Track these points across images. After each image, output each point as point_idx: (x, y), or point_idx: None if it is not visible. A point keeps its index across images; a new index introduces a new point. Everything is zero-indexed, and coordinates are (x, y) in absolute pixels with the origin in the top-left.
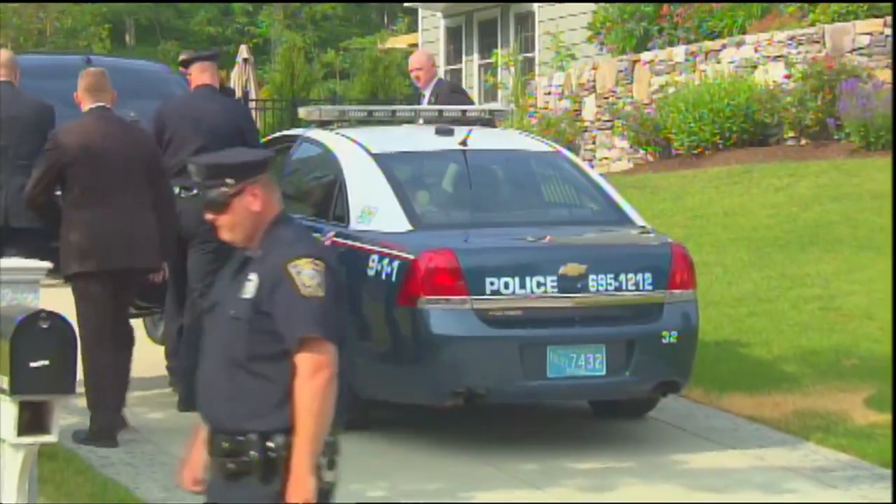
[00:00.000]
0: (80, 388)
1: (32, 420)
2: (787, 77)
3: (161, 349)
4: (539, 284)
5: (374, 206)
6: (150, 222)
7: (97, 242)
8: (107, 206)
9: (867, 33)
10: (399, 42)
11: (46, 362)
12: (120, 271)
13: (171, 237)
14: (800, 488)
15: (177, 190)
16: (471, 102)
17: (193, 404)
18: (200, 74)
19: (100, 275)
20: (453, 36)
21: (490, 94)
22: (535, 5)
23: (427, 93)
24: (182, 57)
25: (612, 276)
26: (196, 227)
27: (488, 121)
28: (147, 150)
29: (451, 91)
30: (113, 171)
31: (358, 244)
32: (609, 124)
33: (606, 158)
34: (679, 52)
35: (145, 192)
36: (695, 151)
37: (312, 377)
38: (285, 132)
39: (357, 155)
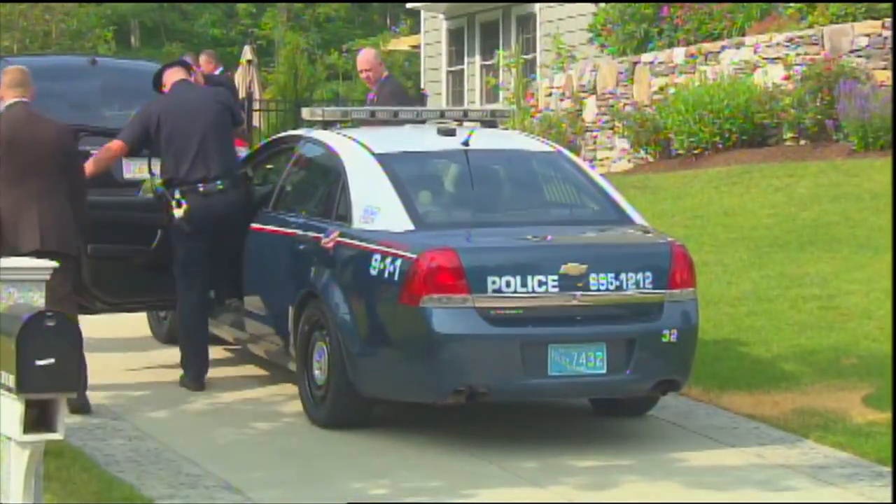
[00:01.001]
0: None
1: (38, 418)
2: (786, 78)
3: (164, 348)
4: (540, 283)
5: (377, 206)
6: (59, 208)
7: (9, 226)
8: (20, 192)
9: (865, 35)
10: (401, 44)
11: (52, 361)
12: (30, 255)
13: (85, 223)
14: (798, 486)
15: (201, 187)
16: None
17: (203, 382)
18: (174, 75)
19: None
20: (455, 37)
21: (492, 95)
22: (537, 7)
23: (374, 91)
24: (154, 79)
25: (612, 275)
26: (229, 216)
27: (490, 122)
28: (62, 140)
29: (391, 93)
30: (29, 159)
31: (361, 244)
32: (609, 125)
33: (607, 159)
34: (679, 54)
35: (59, 179)
36: (695, 152)
37: None
38: (289, 133)
39: (360, 155)
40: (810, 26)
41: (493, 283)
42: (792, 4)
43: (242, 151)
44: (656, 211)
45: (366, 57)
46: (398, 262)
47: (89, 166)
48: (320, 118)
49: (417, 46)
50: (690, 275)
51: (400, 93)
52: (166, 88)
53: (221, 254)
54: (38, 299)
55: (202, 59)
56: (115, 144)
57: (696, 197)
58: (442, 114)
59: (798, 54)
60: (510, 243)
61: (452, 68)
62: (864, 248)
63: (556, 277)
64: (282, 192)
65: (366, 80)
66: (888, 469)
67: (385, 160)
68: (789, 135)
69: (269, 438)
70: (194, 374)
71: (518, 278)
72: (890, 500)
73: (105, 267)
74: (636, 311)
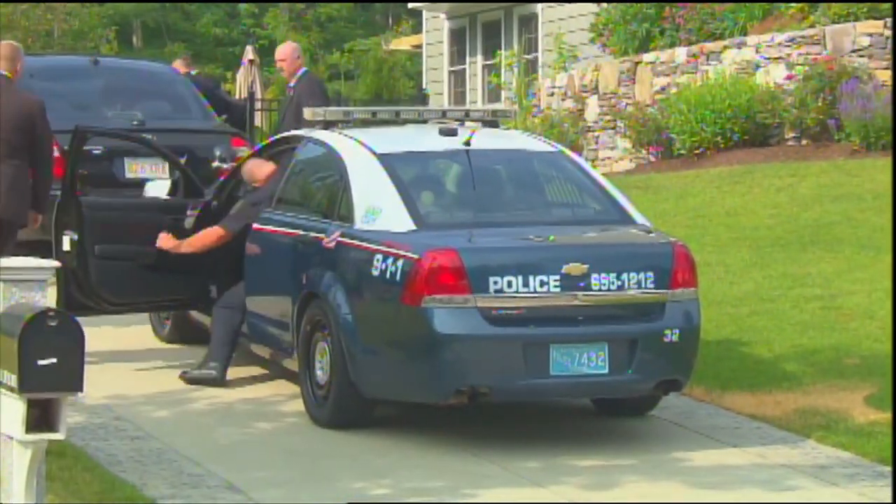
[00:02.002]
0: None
1: (40, 418)
2: (789, 78)
3: (167, 347)
4: (542, 283)
5: (379, 206)
6: (13, 176)
7: None
8: None
9: (867, 34)
10: (403, 44)
11: (54, 360)
12: None
13: (47, 193)
14: (800, 485)
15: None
16: (324, 104)
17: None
18: (262, 169)
19: None
20: (457, 37)
21: (493, 94)
22: (539, 7)
23: (292, 84)
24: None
25: (614, 275)
26: None
27: (492, 121)
28: (24, 113)
29: (307, 87)
30: None
31: (362, 244)
32: (611, 125)
33: (609, 159)
34: (681, 54)
35: (18, 149)
36: (696, 152)
37: None
38: (291, 133)
39: (361, 155)
40: (812, 26)
41: (495, 283)
42: (794, 4)
43: (242, 151)
44: (658, 211)
45: (282, 48)
46: (400, 263)
47: (192, 244)
48: (322, 118)
49: (419, 46)
50: (692, 275)
51: (315, 89)
52: (259, 183)
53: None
54: (39, 299)
55: (178, 62)
56: (219, 232)
57: (697, 197)
58: (444, 114)
59: (800, 54)
60: (512, 243)
61: (454, 68)
62: (866, 248)
63: (557, 277)
64: (283, 193)
65: (280, 70)
66: (889, 469)
67: (387, 160)
68: (791, 135)
69: (271, 438)
70: (226, 368)
71: (520, 278)
72: (891, 501)
73: (112, 268)
74: (638, 311)
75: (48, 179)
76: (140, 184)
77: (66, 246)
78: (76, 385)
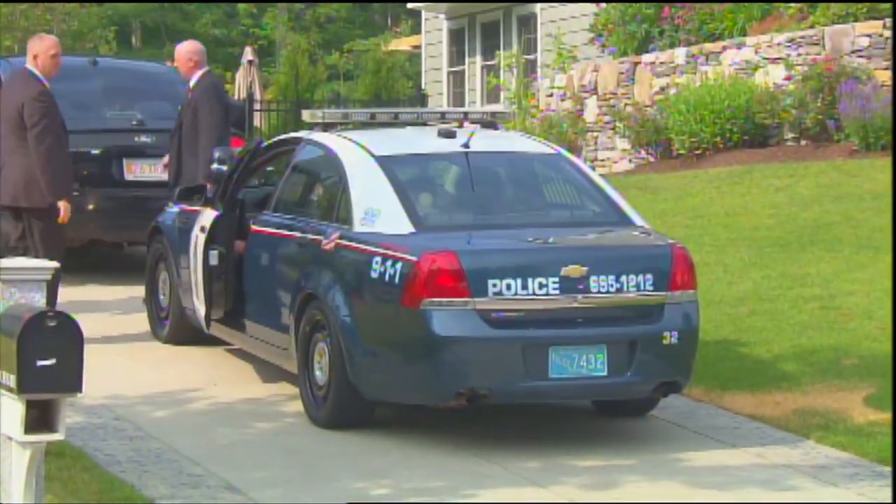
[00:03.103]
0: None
1: (39, 418)
2: (788, 78)
3: (166, 348)
4: (541, 286)
5: (377, 208)
6: (24, 165)
7: None
8: None
9: (866, 35)
10: (402, 44)
11: (53, 361)
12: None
13: (48, 180)
14: (800, 485)
15: None
16: (219, 112)
17: None
18: None
19: None
20: (456, 38)
21: (493, 95)
22: (538, 7)
23: (191, 83)
24: None
25: (613, 277)
26: None
27: (491, 123)
28: (19, 102)
29: (203, 94)
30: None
31: (361, 246)
32: (610, 125)
33: (608, 159)
34: (680, 54)
35: (20, 138)
36: (696, 152)
37: None
38: (289, 135)
39: (360, 157)
40: (811, 26)
41: (494, 285)
42: (793, 4)
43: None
44: (657, 211)
45: (177, 50)
46: (399, 265)
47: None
48: (321, 120)
49: (418, 47)
50: (691, 276)
51: (211, 94)
52: None
53: None
54: (39, 299)
55: (171, 62)
56: None
57: (697, 197)
58: (442, 115)
59: (799, 54)
60: (511, 245)
61: (453, 69)
62: (865, 249)
63: (556, 280)
64: (282, 195)
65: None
66: (889, 469)
67: (385, 162)
68: (790, 135)
69: (270, 438)
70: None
71: (519, 281)
72: (890, 501)
73: (231, 279)
74: (637, 313)
75: (44, 165)
76: (140, 185)
77: (215, 261)
78: (75, 385)
